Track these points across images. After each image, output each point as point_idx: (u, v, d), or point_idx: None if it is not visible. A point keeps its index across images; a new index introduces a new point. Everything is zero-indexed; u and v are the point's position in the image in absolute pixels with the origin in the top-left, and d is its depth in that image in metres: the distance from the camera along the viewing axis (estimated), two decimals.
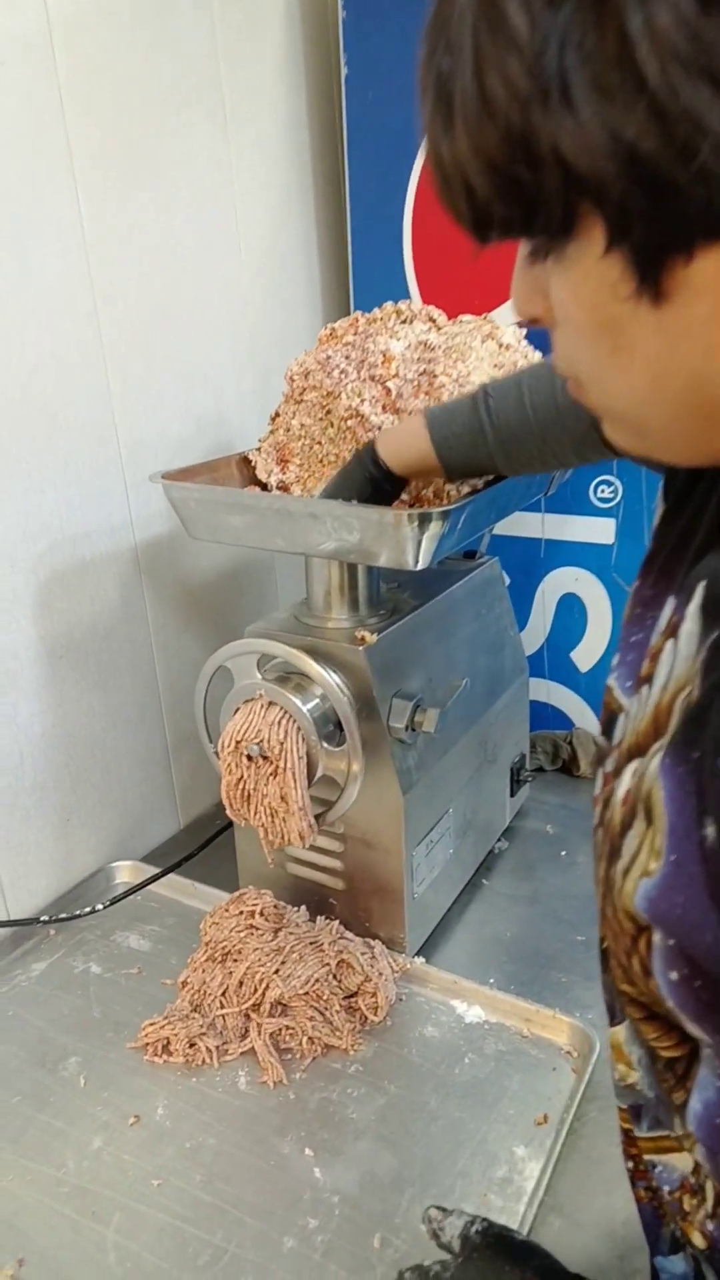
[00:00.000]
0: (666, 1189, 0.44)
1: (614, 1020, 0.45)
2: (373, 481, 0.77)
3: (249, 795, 0.83)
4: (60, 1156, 0.71)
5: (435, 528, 0.72)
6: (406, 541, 0.72)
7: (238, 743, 0.81)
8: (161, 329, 1.03)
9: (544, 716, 1.26)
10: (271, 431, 0.95)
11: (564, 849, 1.08)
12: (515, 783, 1.09)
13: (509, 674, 1.05)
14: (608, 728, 0.44)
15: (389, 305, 0.92)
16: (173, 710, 1.14)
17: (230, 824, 1.08)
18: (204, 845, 1.05)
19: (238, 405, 1.16)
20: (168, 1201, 0.68)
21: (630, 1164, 0.48)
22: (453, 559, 1.05)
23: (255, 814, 0.83)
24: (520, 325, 0.91)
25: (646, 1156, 0.45)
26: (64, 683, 0.98)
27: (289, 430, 0.93)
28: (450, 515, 0.73)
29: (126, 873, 1.05)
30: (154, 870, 1.02)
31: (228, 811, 0.85)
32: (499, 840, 1.09)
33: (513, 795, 1.10)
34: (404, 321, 0.91)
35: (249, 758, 0.81)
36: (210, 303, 1.10)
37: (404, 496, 0.82)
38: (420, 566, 0.74)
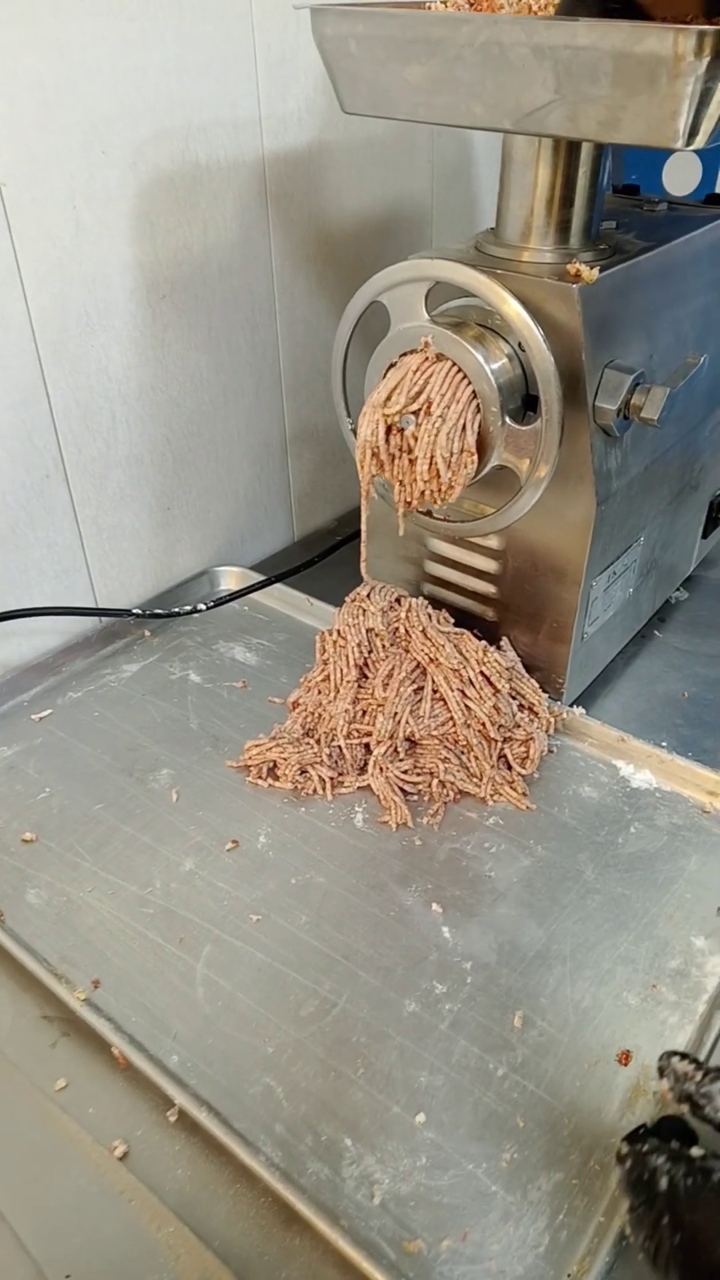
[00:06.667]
0: None
1: None
2: None
3: (393, 472, 0.64)
4: (146, 874, 0.61)
5: None
6: (683, 93, 0.47)
7: (387, 408, 0.61)
8: None
9: None
10: None
11: None
12: (711, 520, 0.87)
13: None
14: None
15: None
16: (295, 394, 0.93)
17: (351, 537, 0.91)
18: (323, 555, 0.89)
19: None
20: (268, 940, 0.57)
21: None
22: (691, 205, 0.77)
23: (398, 491, 0.64)
24: None
25: None
26: (166, 332, 0.78)
27: None
28: None
29: (233, 579, 0.90)
30: (262, 578, 0.86)
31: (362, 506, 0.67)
32: (677, 589, 0.89)
33: (704, 536, 0.88)
34: None
35: (400, 430, 0.62)
36: None
37: None
38: (693, 145, 0.49)
